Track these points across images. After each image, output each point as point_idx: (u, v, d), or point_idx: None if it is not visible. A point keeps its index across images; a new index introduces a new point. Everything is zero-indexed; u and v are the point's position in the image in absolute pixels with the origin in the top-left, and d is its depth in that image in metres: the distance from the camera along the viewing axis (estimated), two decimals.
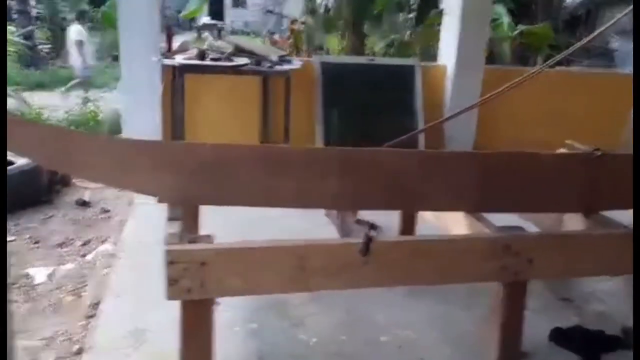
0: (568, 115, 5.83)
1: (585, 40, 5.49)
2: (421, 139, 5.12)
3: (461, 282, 2.30)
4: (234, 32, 17.48)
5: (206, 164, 2.00)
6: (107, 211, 4.26)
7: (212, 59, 4.14)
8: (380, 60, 5.28)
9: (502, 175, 2.22)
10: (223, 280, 1.85)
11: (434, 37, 6.46)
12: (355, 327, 2.62)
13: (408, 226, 2.99)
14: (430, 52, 6.34)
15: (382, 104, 5.14)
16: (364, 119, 5.04)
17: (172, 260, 1.77)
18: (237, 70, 4.14)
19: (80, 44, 10.44)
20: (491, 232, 2.13)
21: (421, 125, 5.26)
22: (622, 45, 8.38)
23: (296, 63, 4.44)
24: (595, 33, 5.75)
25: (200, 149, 2.09)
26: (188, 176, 2.00)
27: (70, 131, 2.27)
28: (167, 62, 4.16)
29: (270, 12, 16.53)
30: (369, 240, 1.91)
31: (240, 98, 4.85)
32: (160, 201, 2.04)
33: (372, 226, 3.14)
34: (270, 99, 4.77)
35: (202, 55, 4.12)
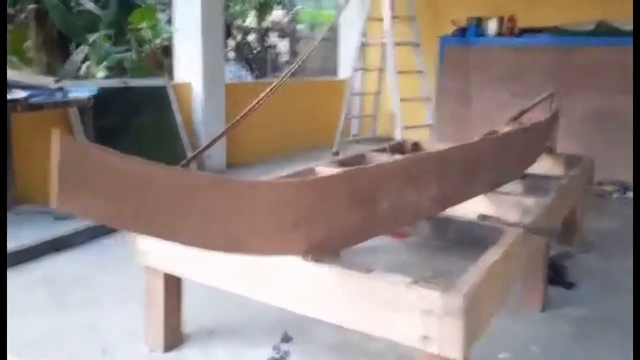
0: (294, 116, 6.62)
1: (304, 56, 6.29)
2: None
3: None
4: None
5: None
6: None
7: None
8: (134, 82, 4.98)
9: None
10: None
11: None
12: None
13: None
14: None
15: (147, 127, 4.90)
16: (135, 145, 4.71)
17: None
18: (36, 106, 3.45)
19: None
20: None
21: (187, 144, 5.21)
22: None
23: (86, 89, 3.91)
24: (308, 52, 6.61)
25: None
26: None
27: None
28: None
29: None
30: None
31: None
32: None
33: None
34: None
35: None
